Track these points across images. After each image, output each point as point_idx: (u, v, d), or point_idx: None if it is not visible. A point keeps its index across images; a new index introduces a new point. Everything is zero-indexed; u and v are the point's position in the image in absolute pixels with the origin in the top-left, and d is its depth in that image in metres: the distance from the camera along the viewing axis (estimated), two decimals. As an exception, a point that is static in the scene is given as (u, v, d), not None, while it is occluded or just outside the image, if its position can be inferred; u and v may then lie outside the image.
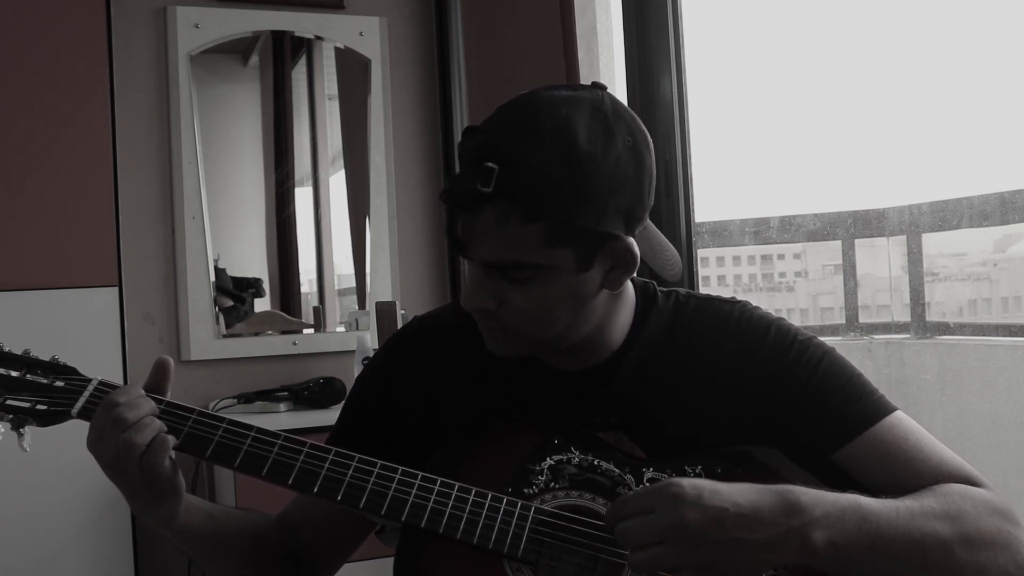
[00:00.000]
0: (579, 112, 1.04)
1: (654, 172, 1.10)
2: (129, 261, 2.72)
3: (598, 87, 1.10)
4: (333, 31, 3.07)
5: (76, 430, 1.12)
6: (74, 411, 1.12)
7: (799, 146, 2.52)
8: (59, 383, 1.14)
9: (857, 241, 2.55)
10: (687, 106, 2.28)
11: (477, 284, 1.08)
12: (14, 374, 1.13)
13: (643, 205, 1.09)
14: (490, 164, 1.01)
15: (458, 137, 3.19)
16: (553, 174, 1.01)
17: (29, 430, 1.13)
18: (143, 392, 1.10)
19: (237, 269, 3.00)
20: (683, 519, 0.92)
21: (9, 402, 1.12)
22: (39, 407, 1.12)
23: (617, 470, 1.10)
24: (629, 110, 1.10)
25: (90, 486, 2.45)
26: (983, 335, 2.37)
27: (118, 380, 2.53)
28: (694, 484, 0.94)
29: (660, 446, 1.13)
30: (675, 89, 2.26)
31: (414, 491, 1.08)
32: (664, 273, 1.15)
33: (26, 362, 1.15)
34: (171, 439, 1.08)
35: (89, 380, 1.14)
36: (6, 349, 1.16)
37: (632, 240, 1.08)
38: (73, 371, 1.15)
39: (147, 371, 1.15)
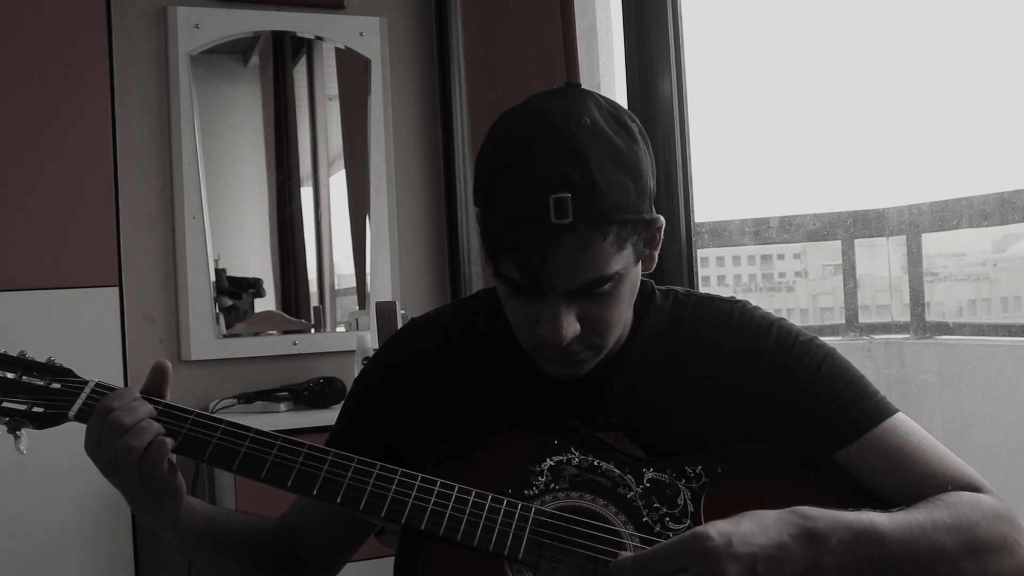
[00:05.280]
0: (595, 115, 1.05)
1: None
2: (129, 261, 2.72)
3: (575, 86, 1.11)
4: (333, 31, 3.07)
5: (76, 430, 1.11)
6: (71, 414, 1.11)
7: (799, 146, 2.52)
8: (56, 385, 1.13)
9: (857, 241, 2.55)
10: (687, 106, 2.28)
11: (562, 316, 1.05)
12: (10, 376, 1.13)
13: (655, 181, 1.11)
14: (561, 195, 0.99)
15: (460, 137, 3.20)
16: (617, 181, 1.02)
17: (26, 433, 1.12)
18: (138, 395, 1.10)
19: (237, 269, 3.00)
20: (724, 574, 0.91)
21: (5, 405, 1.11)
22: (35, 409, 1.11)
23: (617, 471, 1.10)
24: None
25: (90, 486, 2.45)
26: (983, 335, 2.37)
27: (118, 380, 2.54)
28: (722, 533, 0.93)
29: (660, 446, 1.13)
30: (675, 89, 2.26)
31: (414, 493, 1.08)
32: None
33: (22, 364, 1.14)
34: (169, 442, 1.07)
35: (86, 382, 1.13)
36: (1, 351, 1.15)
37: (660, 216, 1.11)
38: (69, 373, 1.15)
39: (147, 371, 1.14)
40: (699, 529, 0.94)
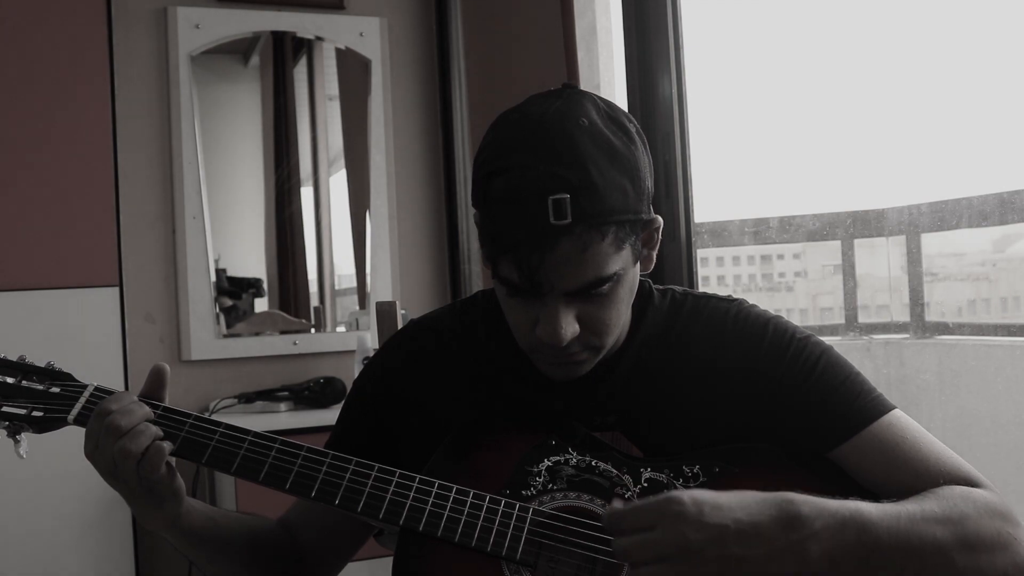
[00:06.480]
0: (592, 116, 1.05)
1: None
2: (130, 261, 2.73)
3: (571, 87, 1.11)
4: (333, 32, 3.08)
5: (76, 431, 1.12)
6: (70, 417, 1.11)
7: (799, 146, 2.51)
8: (55, 389, 1.13)
9: (856, 241, 2.55)
10: (687, 106, 2.28)
11: (561, 317, 1.05)
12: (9, 380, 1.13)
13: (653, 181, 1.11)
14: (559, 196, 0.99)
15: (460, 137, 3.20)
16: (616, 182, 1.02)
17: (25, 437, 1.12)
18: (135, 398, 1.10)
19: (237, 269, 3.01)
20: (685, 540, 0.90)
21: (5, 409, 1.11)
22: (35, 414, 1.11)
23: (615, 470, 1.10)
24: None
25: (91, 487, 2.45)
26: (982, 335, 2.36)
27: (119, 380, 2.54)
28: (695, 500, 0.92)
29: (658, 445, 1.13)
30: (675, 89, 2.26)
31: (412, 494, 1.08)
32: None
33: (21, 368, 1.14)
34: (167, 445, 1.07)
35: (85, 386, 1.14)
36: (0, 355, 1.15)
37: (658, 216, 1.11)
38: (69, 377, 1.15)
39: (148, 371, 1.14)
40: (674, 493, 0.93)
